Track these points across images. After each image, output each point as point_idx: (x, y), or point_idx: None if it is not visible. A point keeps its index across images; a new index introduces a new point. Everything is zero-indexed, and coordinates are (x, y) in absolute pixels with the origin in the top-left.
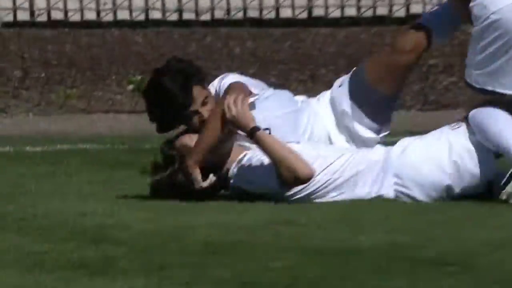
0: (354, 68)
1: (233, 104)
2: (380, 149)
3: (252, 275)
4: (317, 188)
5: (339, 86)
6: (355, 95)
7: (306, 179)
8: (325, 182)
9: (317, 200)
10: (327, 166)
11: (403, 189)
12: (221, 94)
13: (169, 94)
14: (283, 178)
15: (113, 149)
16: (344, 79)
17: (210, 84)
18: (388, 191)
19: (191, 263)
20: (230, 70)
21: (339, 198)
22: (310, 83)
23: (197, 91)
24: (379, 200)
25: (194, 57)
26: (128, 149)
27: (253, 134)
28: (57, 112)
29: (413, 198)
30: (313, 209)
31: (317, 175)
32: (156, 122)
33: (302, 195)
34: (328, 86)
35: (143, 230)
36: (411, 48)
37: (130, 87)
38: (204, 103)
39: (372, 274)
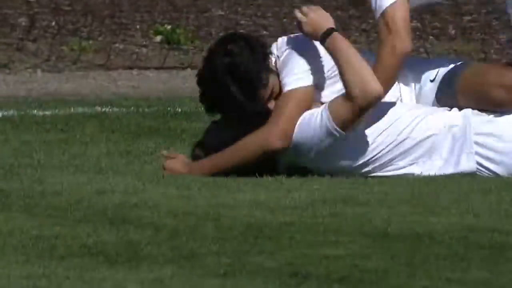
0: (450, 69)
1: (308, 9)
2: (458, 113)
3: (302, 264)
4: (377, 154)
5: (431, 81)
6: (439, 100)
7: (376, 96)
8: (387, 146)
9: (379, 173)
10: (392, 124)
11: (485, 162)
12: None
13: (249, 76)
14: (350, 91)
15: (137, 113)
16: (439, 73)
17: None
18: (468, 164)
19: (229, 249)
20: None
21: (407, 171)
22: (374, 33)
23: (273, 79)
24: (455, 174)
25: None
26: (155, 113)
27: (329, 35)
28: (70, 69)
29: (495, 173)
30: (375, 184)
31: (377, 136)
32: (213, 105)
33: (359, 163)
34: None
35: (172, 210)
36: None
37: (158, 38)
38: (271, 95)
39: (445, 263)
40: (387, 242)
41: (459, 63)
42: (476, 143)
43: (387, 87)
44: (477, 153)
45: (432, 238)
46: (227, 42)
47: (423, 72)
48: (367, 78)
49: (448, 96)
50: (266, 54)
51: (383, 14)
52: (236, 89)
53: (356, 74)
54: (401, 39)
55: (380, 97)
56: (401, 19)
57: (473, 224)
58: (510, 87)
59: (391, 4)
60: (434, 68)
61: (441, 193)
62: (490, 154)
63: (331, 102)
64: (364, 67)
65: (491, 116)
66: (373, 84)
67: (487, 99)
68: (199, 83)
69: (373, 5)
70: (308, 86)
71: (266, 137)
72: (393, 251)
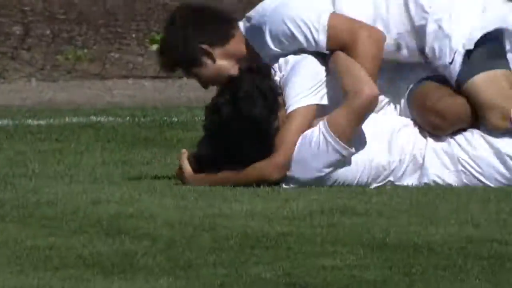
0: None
1: None
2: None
3: (300, 275)
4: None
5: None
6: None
7: (371, 99)
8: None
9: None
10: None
11: (473, 172)
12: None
13: (261, 130)
14: (348, 90)
15: (133, 123)
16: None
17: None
18: (455, 177)
19: (226, 260)
20: None
21: (400, 182)
22: None
23: (283, 112)
24: (451, 186)
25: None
26: (150, 122)
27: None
28: (64, 78)
29: (484, 183)
30: (373, 194)
31: (375, 158)
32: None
33: (356, 181)
34: None
35: (168, 221)
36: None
37: (154, 47)
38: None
39: (444, 274)
40: (385, 252)
41: (421, 78)
42: (463, 159)
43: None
44: (464, 167)
45: (431, 249)
46: (234, 89)
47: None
48: (363, 80)
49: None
50: (277, 94)
51: None
52: (249, 144)
53: (352, 76)
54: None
55: (375, 97)
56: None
57: (472, 235)
58: (443, 114)
59: None
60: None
61: (440, 203)
62: (477, 167)
63: (331, 123)
64: (359, 70)
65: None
66: (368, 87)
67: (424, 122)
68: (207, 135)
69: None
70: (310, 105)
71: (265, 171)
72: (392, 261)
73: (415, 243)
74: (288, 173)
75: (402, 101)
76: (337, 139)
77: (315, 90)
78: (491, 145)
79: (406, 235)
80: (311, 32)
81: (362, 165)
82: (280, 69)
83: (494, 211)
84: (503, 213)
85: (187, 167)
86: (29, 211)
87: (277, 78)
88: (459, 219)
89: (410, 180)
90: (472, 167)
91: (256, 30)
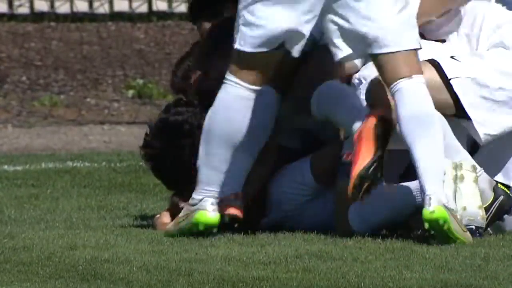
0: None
1: None
2: None
3: None
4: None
5: None
6: None
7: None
8: None
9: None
10: None
11: None
12: None
13: None
14: None
15: (109, 168)
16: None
17: None
18: None
19: None
20: None
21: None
22: None
23: None
24: None
25: None
26: (126, 167)
27: None
28: (41, 124)
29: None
30: (348, 239)
31: None
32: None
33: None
34: None
35: (145, 265)
36: None
37: (130, 93)
38: None
39: None
40: None
41: None
42: None
43: None
44: None
45: None
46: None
47: None
48: None
49: None
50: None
51: None
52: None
53: None
54: None
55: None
56: None
57: (447, 280)
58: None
59: None
60: None
61: (414, 247)
62: None
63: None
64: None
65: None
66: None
67: None
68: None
69: None
70: None
71: None
72: None
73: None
74: None
75: None
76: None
77: None
78: None
79: (381, 280)
80: None
81: None
82: None
83: (468, 256)
84: (477, 258)
85: (164, 219)
86: (5, 256)
87: None
88: (434, 263)
89: None
90: None
91: None
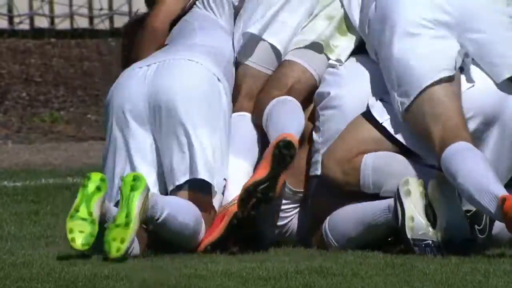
0: None
1: None
2: None
3: None
4: None
5: None
6: None
7: None
8: None
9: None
10: None
11: None
12: None
13: None
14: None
15: None
16: None
17: None
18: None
19: None
20: None
21: None
22: None
23: None
24: None
25: None
26: None
27: None
28: (41, 140)
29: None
30: (348, 255)
31: None
32: None
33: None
34: None
35: (145, 281)
36: None
37: None
38: None
39: None
40: None
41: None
42: None
43: None
44: None
45: None
46: None
47: None
48: None
49: None
50: None
51: None
52: None
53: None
54: None
55: None
56: None
57: None
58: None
59: None
60: None
61: (415, 263)
62: None
63: None
64: None
65: None
66: None
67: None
68: None
69: None
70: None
71: None
72: None
73: None
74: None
75: None
76: None
77: None
78: None
79: None
80: None
81: None
82: None
83: (469, 272)
84: (478, 274)
85: None
86: (5, 272)
87: None
88: (434, 279)
89: None
90: None
91: None
